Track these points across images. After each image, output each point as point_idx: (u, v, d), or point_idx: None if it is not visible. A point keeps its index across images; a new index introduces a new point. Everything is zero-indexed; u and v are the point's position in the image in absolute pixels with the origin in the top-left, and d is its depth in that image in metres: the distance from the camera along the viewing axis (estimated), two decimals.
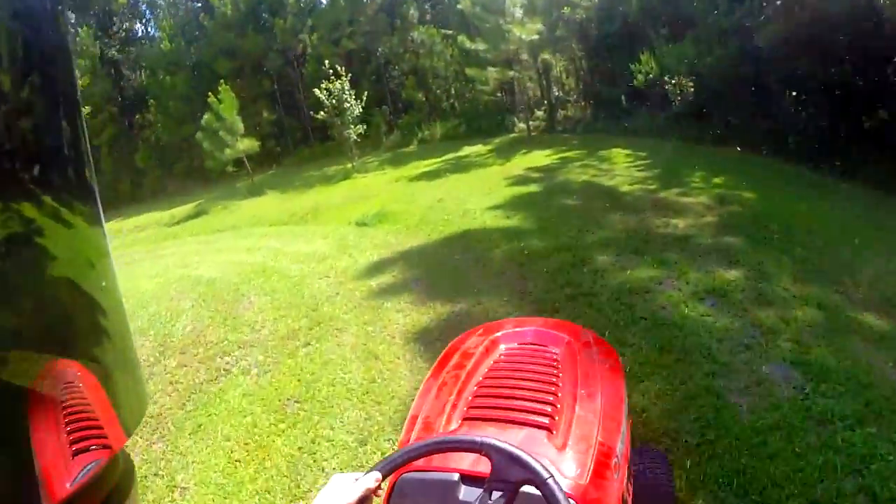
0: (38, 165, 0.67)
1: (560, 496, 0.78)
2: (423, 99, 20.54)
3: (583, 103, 18.34)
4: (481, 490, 0.82)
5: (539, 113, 18.09)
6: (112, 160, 23.19)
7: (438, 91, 20.75)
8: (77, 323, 0.74)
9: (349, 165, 15.22)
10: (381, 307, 4.82)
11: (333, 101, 14.42)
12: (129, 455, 0.89)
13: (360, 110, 14.87)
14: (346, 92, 14.53)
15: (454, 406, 1.48)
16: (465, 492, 1.13)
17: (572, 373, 1.58)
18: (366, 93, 15.59)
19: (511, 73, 15.55)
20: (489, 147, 14.97)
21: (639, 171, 9.51)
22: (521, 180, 9.55)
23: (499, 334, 1.89)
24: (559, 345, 1.76)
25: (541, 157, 11.85)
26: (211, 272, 6.59)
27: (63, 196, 0.72)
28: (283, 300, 5.29)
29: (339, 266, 6.16)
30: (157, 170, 23.12)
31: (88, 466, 0.71)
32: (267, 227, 10.07)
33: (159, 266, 7.76)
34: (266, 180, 17.52)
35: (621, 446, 1.38)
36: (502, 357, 1.73)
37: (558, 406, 1.41)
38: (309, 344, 4.34)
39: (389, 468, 0.86)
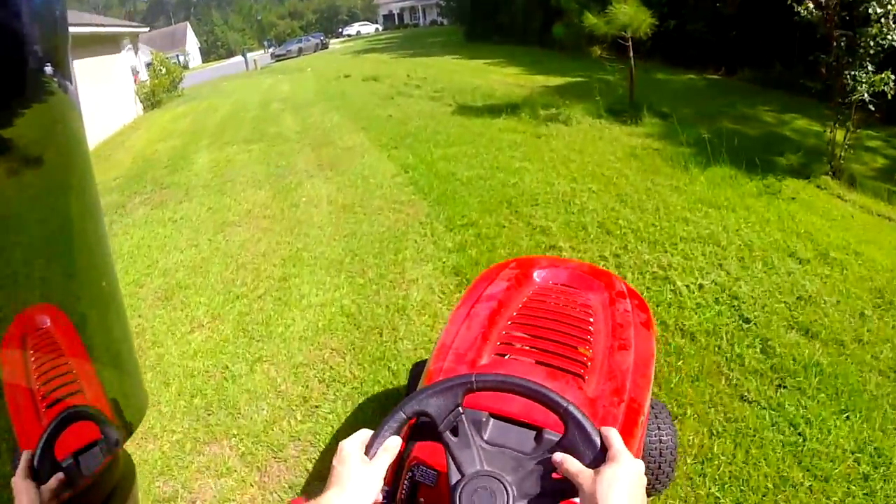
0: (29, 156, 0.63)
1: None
2: None
3: None
4: (515, 429, 0.84)
5: None
6: None
7: None
8: (75, 322, 0.73)
9: (828, 142, 5.54)
10: None
11: None
12: (129, 455, 0.89)
13: None
14: None
15: (485, 339, 1.42)
16: (492, 430, 1.02)
17: (607, 322, 1.53)
18: None
19: None
20: None
21: None
22: None
23: (533, 271, 1.81)
24: (594, 290, 1.70)
25: None
26: None
27: (56, 182, 0.66)
28: None
29: None
30: (573, 17, 12.98)
31: (88, 466, 0.71)
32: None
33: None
34: (669, 92, 9.43)
35: (648, 403, 1.36)
36: (537, 295, 1.65)
37: (591, 354, 1.37)
38: None
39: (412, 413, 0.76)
